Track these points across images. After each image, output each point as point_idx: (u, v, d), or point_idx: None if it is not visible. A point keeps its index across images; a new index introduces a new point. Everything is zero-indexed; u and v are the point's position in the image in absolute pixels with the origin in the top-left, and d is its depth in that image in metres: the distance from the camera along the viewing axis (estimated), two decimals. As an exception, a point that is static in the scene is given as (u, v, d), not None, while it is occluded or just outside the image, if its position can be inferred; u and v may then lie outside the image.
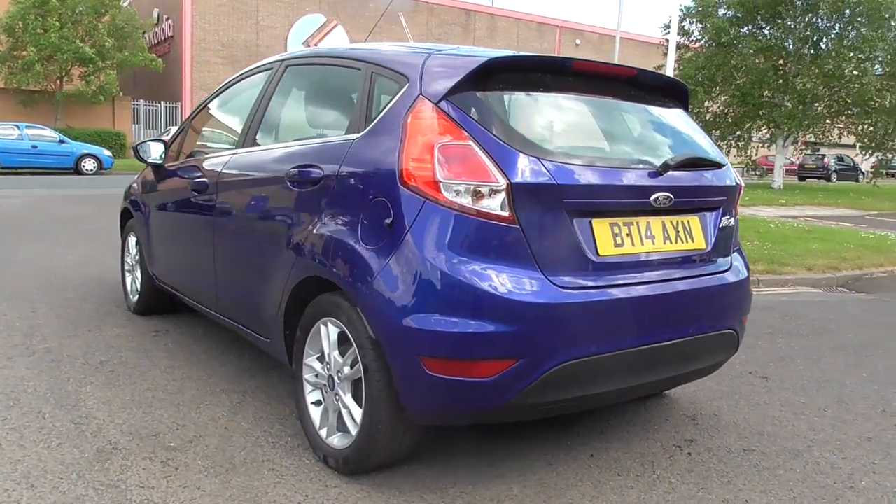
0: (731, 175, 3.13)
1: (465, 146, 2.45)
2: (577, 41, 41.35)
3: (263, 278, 3.22)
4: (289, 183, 3.06)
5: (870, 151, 26.67)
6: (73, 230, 9.19)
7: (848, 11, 23.09)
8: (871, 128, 25.22)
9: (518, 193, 2.42)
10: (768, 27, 25.09)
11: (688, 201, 2.85)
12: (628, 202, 2.68)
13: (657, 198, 2.69)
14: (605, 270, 2.58)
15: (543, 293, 2.42)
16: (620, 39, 22.82)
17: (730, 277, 3.02)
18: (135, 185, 5.12)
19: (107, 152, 22.60)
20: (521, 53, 2.80)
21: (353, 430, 2.69)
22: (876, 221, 15.50)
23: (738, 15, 24.77)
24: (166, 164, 4.48)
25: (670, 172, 2.77)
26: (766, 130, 26.46)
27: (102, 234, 8.90)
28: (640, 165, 2.78)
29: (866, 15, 23.09)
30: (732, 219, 3.13)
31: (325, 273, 2.75)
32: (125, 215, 5.31)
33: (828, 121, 26.02)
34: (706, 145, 3.13)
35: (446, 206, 2.41)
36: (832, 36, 24.32)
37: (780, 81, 24.47)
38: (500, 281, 2.39)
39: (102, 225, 9.74)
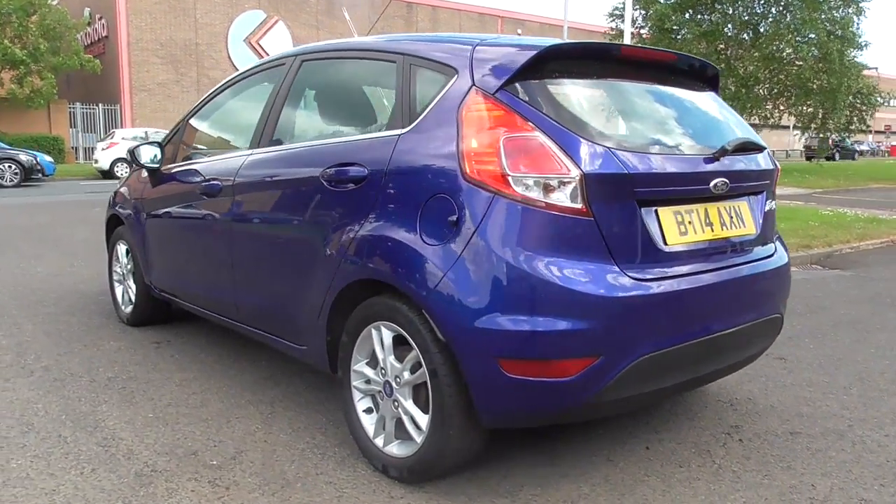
0: (770, 158, 3.11)
1: (532, 138, 2.36)
2: (519, 31, 41.46)
3: (297, 284, 3.07)
4: (325, 183, 2.90)
5: (810, 131, 27.55)
6: (33, 241, 8.77)
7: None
8: (810, 109, 26.06)
9: (590, 184, 2.33)
10: (708, 14, 25.60)
11: (739, 186, 2.82)
12: (691, 189, 2.63)
13: (716, 184, 2.65)
14: (674, 260, 2.53)
15: (622, 286, 2.34)
16: (567, 29, 23.01)
17: (777, 262, 3.00)
18: (122, 190, 4.87)
19: (48, 158, 21.68)
20: (573, 41, 2.72)
21: (418, 438, 2.58)
22: (825, 199, 15.94)
23: (679, 1, 25.19)
24: (163, 168, 4.27)
25: (724, 157, 2.73)
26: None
27: (65, 242, 8.55)
28: (698, 151, 2.73)
29: (801, -2, 23.74)
30: (774, 203, 3.11)
31: (379, 275, 2.63)
32: (112, 223, 5.07)
33: (769, 103, 26.72)
34: (747, 129, 3.10)
35: (516, 201, 2.32)
36: (769, 20, 24.95)
37: (723, 65, 24.98)
38: (578, 276, 2.30)
39: (63, 233, 9.36)
